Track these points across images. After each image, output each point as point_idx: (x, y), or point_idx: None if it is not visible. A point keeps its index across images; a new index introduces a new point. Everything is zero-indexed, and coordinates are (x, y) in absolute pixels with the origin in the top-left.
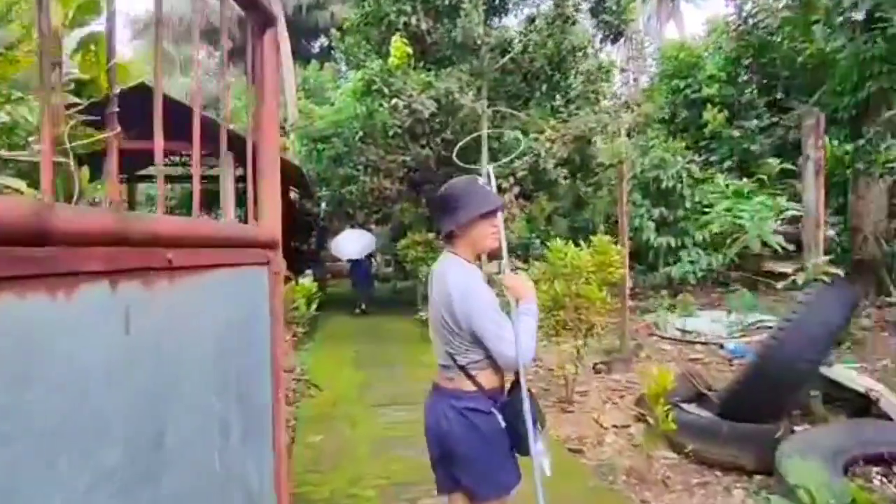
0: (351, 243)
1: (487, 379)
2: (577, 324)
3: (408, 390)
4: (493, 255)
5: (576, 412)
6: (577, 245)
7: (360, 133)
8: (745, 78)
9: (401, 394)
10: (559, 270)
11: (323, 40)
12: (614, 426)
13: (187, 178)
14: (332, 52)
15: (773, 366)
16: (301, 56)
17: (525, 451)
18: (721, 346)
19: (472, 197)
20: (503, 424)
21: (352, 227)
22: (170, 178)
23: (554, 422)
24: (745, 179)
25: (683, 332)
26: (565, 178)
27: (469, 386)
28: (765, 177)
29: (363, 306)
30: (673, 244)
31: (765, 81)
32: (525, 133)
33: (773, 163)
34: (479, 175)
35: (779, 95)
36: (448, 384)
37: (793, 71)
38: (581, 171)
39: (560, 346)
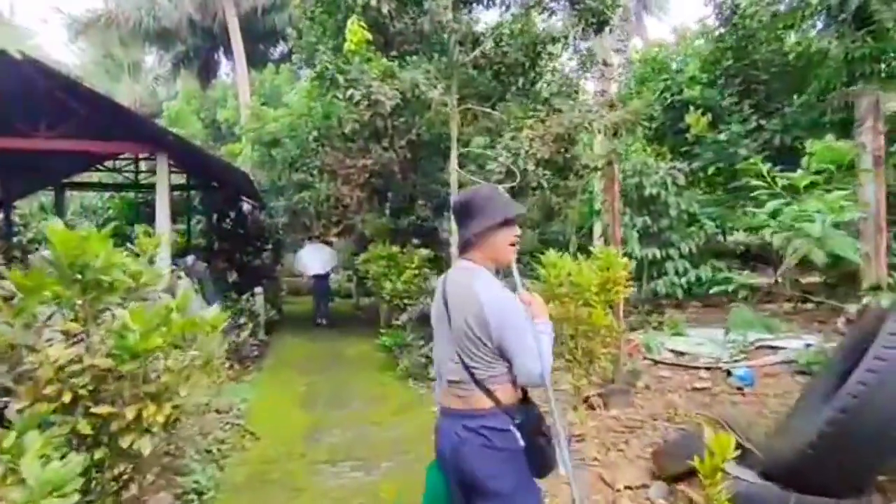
0: (314, 258)
1: (505, 394)
2: (576, 355)
3: (366, 439)
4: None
5: (575, 466)
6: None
7: (315, 133)
8: (723, 81)
9: (358, 444)
10: (555, 290)
11: (283, 47)
12: (627, 487)
13: (127, 186)
14: (292, 55)
15: (864, 422)
16: (258, 62)
17: (543, 473)
18: (729, 374)
19: (493, 203)
20: (521, 443)
21: (310, 239)
22: (104, 186)
23: (548, 481)
24: (798, 171)
25: (677, 353)
26: (548, 180)
27: (485, 402)
28: (831, 167)
29: (324, 321)
30: (658, 256)
31: (742, 86)
32: (499, 134)
33: (844, 147)
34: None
35: (759, 98)
36: (458, 403)
37: (773, 74)
38: (564, 172)
39: (555, 382)
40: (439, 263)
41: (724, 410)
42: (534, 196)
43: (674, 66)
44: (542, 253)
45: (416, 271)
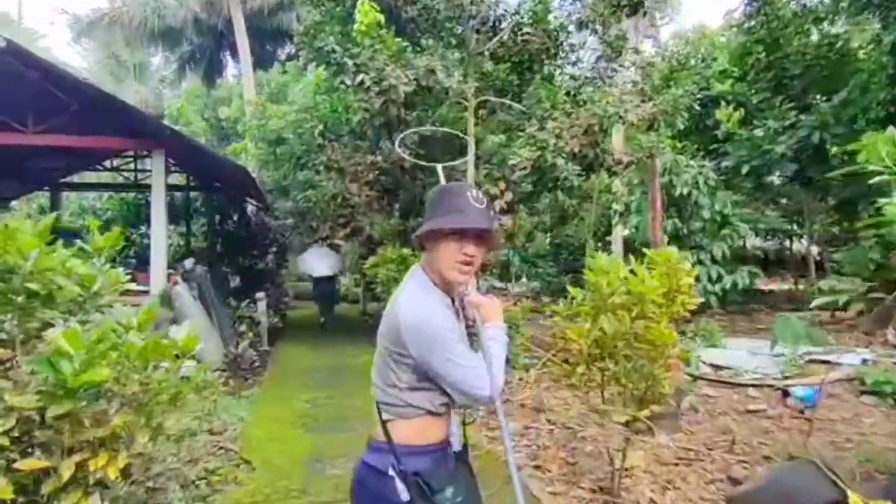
0: (318, 261)
1: (402, 430)
2: (633, 379)
3: None
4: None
5: None
6: (569, 269)
7: (320, 127)
8: (753, 75)
9: None
10: (608, 301)
11: (290, 49)
12: None
13: (126, 186)
14: (298, 55)
15: None
16: (265, 63)
17: None
18: (786, 394)
19: (438, 206)
20: (403, 498)
21: (316, 242)
22: (101, 186)
23: None
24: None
25: (716, 368)
26: (578, 174)
27: (378, 433)
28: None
29: (327, 322)
30: (689, 261)
31: (774, 81)
32: (519, 129)
33: None
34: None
35: (793, 93)
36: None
37: (806, 67)
38: (594, 167)
39: (602, 409)
40: None
41: (790, 440)
42: (546, 198)
43: (693, 62)
44: (559, 257)
45: None
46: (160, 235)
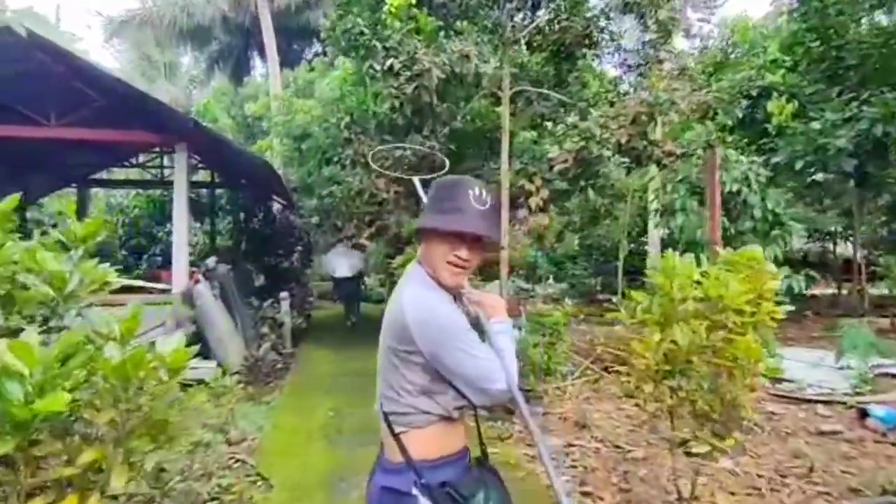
0: (342, 261)
1: (418, 443)
2: (710, 401)
3: None
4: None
5: None
6: (601, 271)
7: (347, 119)
8: (806, 65)
9: None
10: (677, 308)
11: (317, 48)
12: None
13: (153, 183)
14: (325, 53)
15: None
16: (292, 62)
17: None
18: (864, 414)
19: (437, 201)
20: None
21: (340, 241)
22: (129, 183)
23: None
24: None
25: (775, 380)
26: (627, 168)
27: (393, 453)
28: None
29: (353, 319)
30: None
31: (829, 71)
32: (554, 122)
33: None
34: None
35: (850, 83)
36: (384, 443)
37: (863, 56)
38: (641, 159)
39: (677, 437)
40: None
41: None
42: (577, 197)
43: (738, 51)
44: (590, 258)
45: None
46: (182, 232)
